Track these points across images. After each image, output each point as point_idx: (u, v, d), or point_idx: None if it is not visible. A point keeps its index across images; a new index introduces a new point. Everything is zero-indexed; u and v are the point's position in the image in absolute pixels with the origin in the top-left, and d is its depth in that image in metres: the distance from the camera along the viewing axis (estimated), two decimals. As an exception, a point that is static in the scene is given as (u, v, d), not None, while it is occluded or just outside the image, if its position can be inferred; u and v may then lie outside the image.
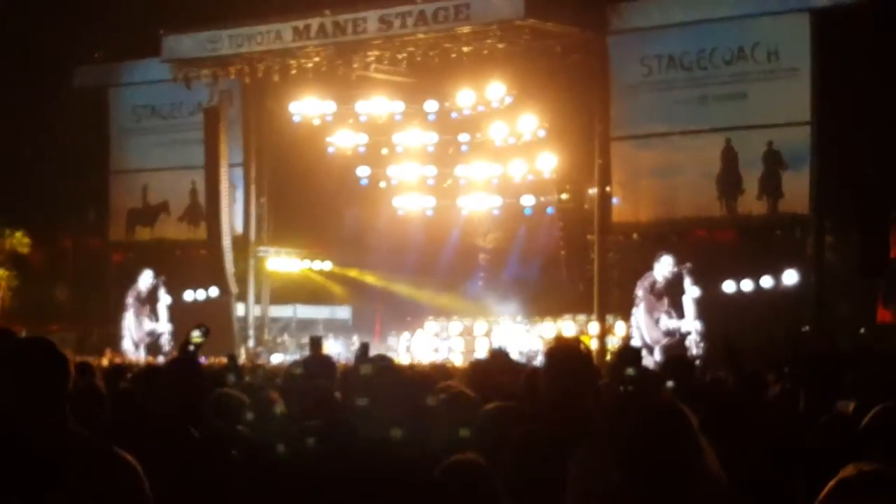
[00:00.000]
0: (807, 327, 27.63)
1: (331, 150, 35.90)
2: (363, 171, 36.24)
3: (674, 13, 30.72)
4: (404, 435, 6.55)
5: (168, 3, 34.56)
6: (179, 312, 35.36)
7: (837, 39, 28.15)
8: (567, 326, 31.74)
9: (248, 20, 33.63)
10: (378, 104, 34.96)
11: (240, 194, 37.00)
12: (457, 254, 36.34)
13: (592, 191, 32.41)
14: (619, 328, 30.88)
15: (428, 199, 36.62)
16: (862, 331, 27.59)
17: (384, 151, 35.87)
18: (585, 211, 32.83)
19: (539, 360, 26.88)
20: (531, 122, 33.45)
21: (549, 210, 34.51)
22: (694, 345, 29.20)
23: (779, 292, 28.60)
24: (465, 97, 33.68)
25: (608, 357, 28.82)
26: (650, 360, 27.15)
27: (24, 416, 4.47)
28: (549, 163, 33.53)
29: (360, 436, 6.46)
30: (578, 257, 33.23)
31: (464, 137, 35.01)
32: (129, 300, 36.77)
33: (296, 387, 9.38)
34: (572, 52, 31.55)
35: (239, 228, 36.93)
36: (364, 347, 15.75)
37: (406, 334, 34.59)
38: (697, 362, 23.51)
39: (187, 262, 36.95)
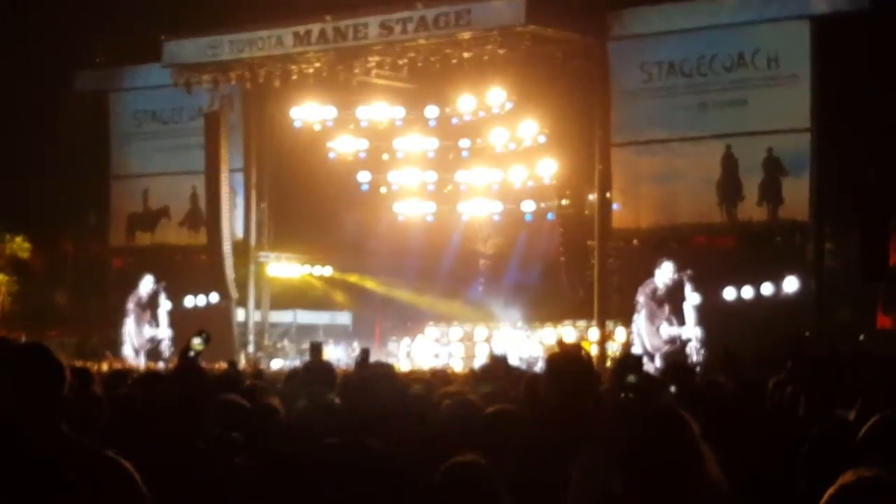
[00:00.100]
0: (807, 333, 27.61)
1: (331, 155, 35.94)
2: (364, 177, 36.29)
3: (674, 20, 30.72)
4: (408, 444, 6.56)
5: (169, 9, 34.56)
6: (180, 318, 35.36)
7: (837, 46, 28.18)
8: (567, 332, 31.75)
9: (249, 25, 33.63)
10: (379, 110, 34.99)
11: (240, 199, 37.00)
12: (457, 259, 36.37)
13: (593, 197, 32.41)
14: (619, 334, 30.87)
15: (428, 204, 36.66)
16: (862, 337, 27.57)
17: (385, 157, 35.92)
18: (586, 217, 32.85)
19: (539, 366, 26.91)
20: (531, 128, 33.48)
21: (550, 216, 34.55)
22: (694, 352, 29.20)
23: (779, 299, 28.60)
24: (465, 103, 33.70)
25: (608, 363, 28.84)
26: (651, 367, 27.15)
27: (19, 421, 4.48)
28: (550, 168, 33.57)
29: (363, 439, 6.46)
30: (579, 263, 33.24)
31: (464, 143, 35.05)
32: (130, 306, 36.76)
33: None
34: (573, 59, 31.56)
35: (239, 234, 36.92)
36: (364, 353, 15.76)
37: (406, 340, 34.59)
38: (698, 369, 23.54)
39: (188, 267, 36.93)
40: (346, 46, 32.50)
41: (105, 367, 27.39)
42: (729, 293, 29.05)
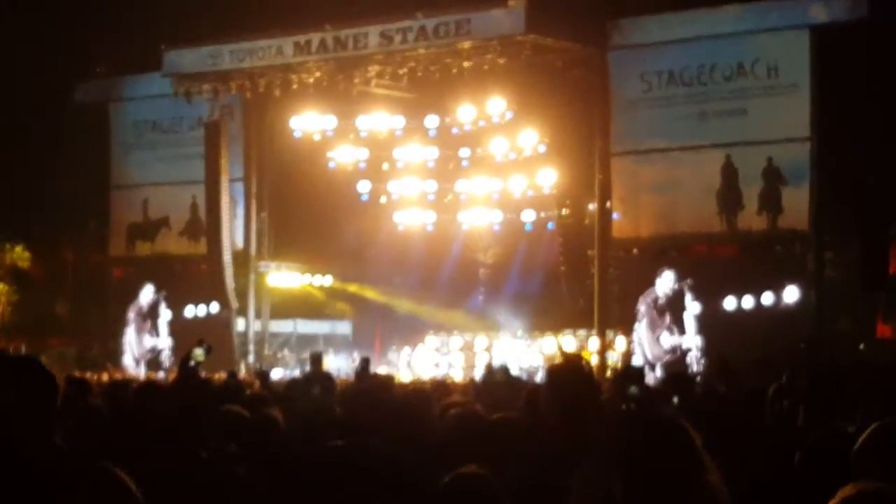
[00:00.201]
0: (802, 344, 27.60)
1: (331, 164, 35.95)
2: (364, 186, 36.29)
3: (674, 29, 30.76)
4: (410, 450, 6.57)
5: (169, 18, 34.58)
6: (180, 328, 35.37)
7: (837, 56, 28.22)
8: (567, 341, 31.72)
9: (249, 35, 33.65)
10: (379, 119, 35.00)
11: (240, 209, 37.00)
12: (457, 269, 36.36)
13: (593, 206, 32.41)
14: (620, 343, 30.86)
15: (428, 214, 36.66)
16: (862, 346, 27.57)
17: (385, 166, 35.93)
18: (586, 226, 32.85)
19: (540, 376, 26.91)
20: (532, 138, 33.49)
21: (550, 225, 34.54)
22: (695, 361, 29.20)
23: (779, 308, 28.61)
24: (465, 112, 33.71)
25: (609, 373, 28.84)
26: (652, 377, 27.15)
27: (12, 433, 4.48)
28: (550, 178, 33.57)
29: (367, 442, 6.47)
30: (579, 272, 33.22)
31: (464, 152, 35.06)
32: (131, 315, 36.76)
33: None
34: (573, 68, 31.60)
35: (239, 243, 36.92)
36: (364, 363, 15.80)
37: (406, 349, 34.57)
38: (698, 378, 23.53)
39: (188, 276, 36.94)
40: (346, 56, 32.52)
41: (105, 377, 27.41)
42: (729, 303, 29.06)
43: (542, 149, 33.50)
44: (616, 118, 31.36)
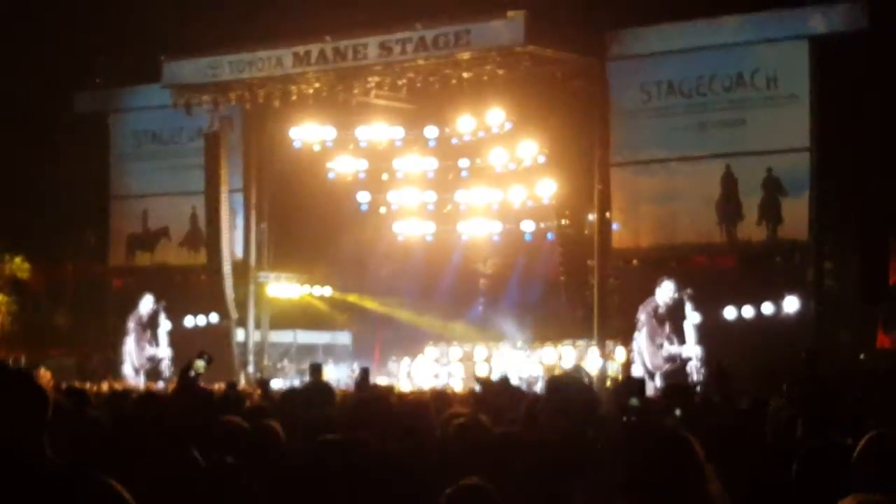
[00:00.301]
0: (803, 354, 27.58)
1: (331, 175, 35.95)
2: (363, 197, 36.31)
3: (673, 40, 30.79)
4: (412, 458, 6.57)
5: (169, 29, 34.62)
6: (179, 338, 35.35)
7: (836, 66, 28.26)
8: (567, 352, 31.72)
9: (249, 46, 33.67)
10: (378, 130, 35.02)
11: (240, 220, 37.00)
12: (457, 279, 36.35)
13: (592, 216, 32.41)
14: (619, 354, 30.84)
15: (428, 224, 36.66)
16: (862, 356, 27.57)
17: (384, 177, 35.94)
18: (585, 237, 32.85)
19: (540, 387, 26.90)
20: (531, 148, 33.50)
21: (549, 236, 34.55)
22: (695, 371, 29.18)
23: (779, 318, 28.61)
24: (465, 123, 33.72)
25: (608, 383, 28.83)
26: (651, 386, 27.14)
27: (2, 446, 4.47)
28: (549, 188, 33.57)
29: (368, 460, 6.47)
30: (578, 283, 33.23)
31: (464, 163, 35.06)
32: (130, 325, 36.74)
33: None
34: (572, 79, 31.62)
35: (239, 254, 36.92)
36: (364, 373, 15.78)
37: (406, 360, 34.54)
38: (698, 388, 23.54)
39: (187, 287, 36.93)
40: (346, 67, 32.53)
41: (105, 387, 27.41)
42: (729, 312, 29.06)
43: (541, 159, 33.51)
44: (615, 129, 31.38)
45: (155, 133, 38.41)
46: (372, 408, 7.50)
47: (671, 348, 29.76)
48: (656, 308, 30.03)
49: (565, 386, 6.58)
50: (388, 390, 16.74)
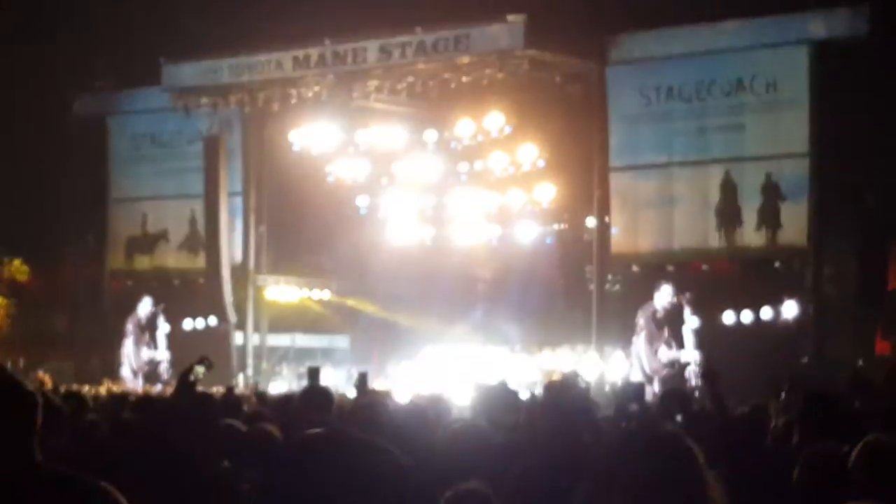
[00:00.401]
0: (805, 358, 27.63)
1: (330, 179, 35.90)
2: (362, 201, 36.28)
3: (673, 45, 30.81)
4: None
5: (168, 32, 34.62)
6: (178, 341, 35.30)
7: (836, 72, 28.26)
8: (566, 357, 31.70)
9: (249, 49, 33.69)
10: (377, 134, 34.99)
11: (239, 223, 37.01)
12: (455, 283, 36.31)
13: (591, 221, 32.44)
14: (618, 359, 30.82)
15: (427, 228, 36.65)
16: (860, 362, 27.56)
17: (384, 181, 35.91)
18: (584, 241, 32.86)
19: (538, 392, 26.82)
20: (530, 152, 33.48)
21: (548, 240, 34.53)
22: (693, 375, 29.14)
23: (778, 324, 28.62)
24: (464, 127, 33.70)
25: (606, 388, 28.81)
26: (650, 391, 27.11)
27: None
28: (548, 193, 33.57)
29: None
30: (577, 287, 33.24)
31: (463, 167, 35.03)
32: (129, 327, 36.64)
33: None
34: (571, 83, 31.64)
35: (238, 257, 36.92)
36: (362, 378, 15.74)
37: (405, 364, 34.49)
38: (696, 393, 23.49)
39: (186, 290, 36.92)
40: (346, 70, 32.55)
41: (104, 390, 27.39)
42: (728, 317, 29.06)
43: (540, 163, 33.50)
44: (615, 133, 31.38)
45: (154, 136, 38.41)
46: (370, 413, 7.50)
47: (670, 353, 29.71)
48: (654, 312, 29.99)
49: (562, 391, 6.57)
50: (387, 395, 16.71)
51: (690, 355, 29.35)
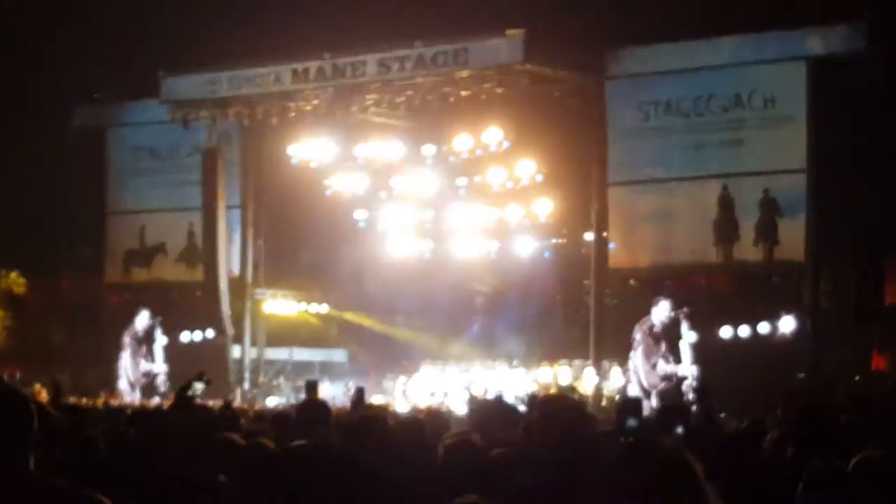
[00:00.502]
0: (801, 374, 27.64)
1: (328, 192, 35.88)
2: (361, 214, 36.25)
3: (671, 60, 30.85)
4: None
5: (167, 44, 34.63)
6: (175, 353, 35.28)
7: (834, 87, 28.30)
8: (563, 371, 31.69)
9: (248, 62, 33.72)
10: (376, 147, 35.00)
11: (237, 236, 37.02)
12: (453, 297, 36.27)
13: (589, 236, 32.45)
14: (616, 373, 30.82)
15: (425, 242, 36.65)
16: (857, 378, 27.58)
17: (382, 195, 35.90)
18: (582, 256, 32.88)
19: (534, 406, 26.72)
20: (529, 167, 33.48)
21: (546, 254, 34.53)
22: (691, 390, 29.13)
23: (775, 339, 28.62)
24: (462, 141, 33.69)
25: (604, 402, 28.82)
26: (648, 405, 27.10)
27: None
28: (547, 207, 33.58)
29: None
30: (575, 302, 33.24)
31: (461, 181, 35.02)
32: (126, 339, 36.61)
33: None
34: (570, 97, 31.68)
35: (236, 270, 36.93)
36: (360, 392, 15.75)
37: (402, 378, 34.47)
38: (694, 408, 23.47)
39: (184, 303, 36.90)
40: (344, 84, 32.57)
41: (101, 403, 27.35)
42: (725, 332, 29.06)
43: (539, 178, 33.50)
44: (613, 148, 31.41)
45: (153, 148, 38.40)
46: (368, 428, 7.49)
47: (667, 367, 29.70)
48: (651, 326, 29.99)
49: (557, 405, 6.58)
50: (384, 409, 16.72)
51: (688, 370, 29.34)
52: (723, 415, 18.08)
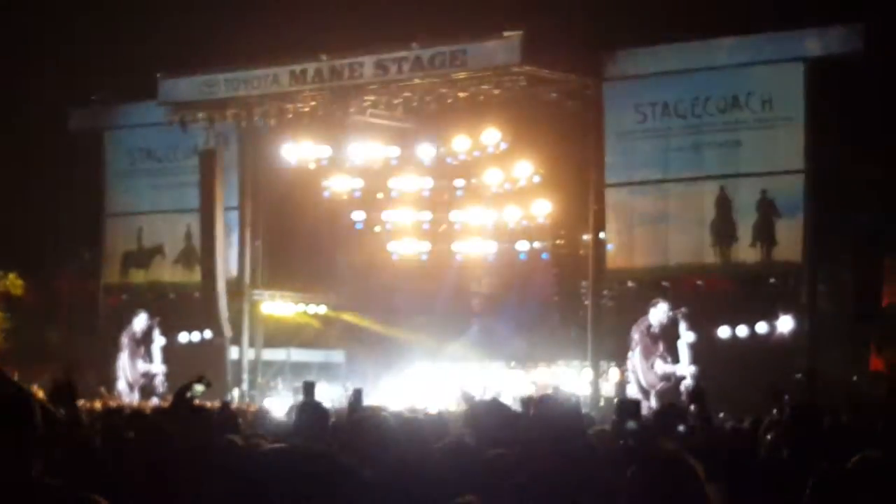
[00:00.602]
0: (798, 375, 27.62)
1: (326, 194, 35.88)
2: (358, 216, 36.25)
3: (669, 61, 30.84)
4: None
5: (165, 47, 34.64)
6: (173, 355, 35.30)
7: (831, 88, 28.30)
8: (561, 372, 31.70)
9: (245, 64, 33.72)
10: (374, 149, 34.99)
11: (235, 237, 36.99)
12: (451, 299, 36.30)
13: (587, 237, 32.46)
14: (613, 374, 30.84)
15: (423, 244, 36.65)
16: (855, 378, 27.58)
17: (379, 196, 35.90)
18: (580, 257, 32.88)
19: (530, 406, 26.73)
20: (526, 169, 33.49)
21: (544, 256, 34.55)
22: (686, 391, 29.14)
23: (773, 339, 28.60)
24: (460, 143, 33.71)
25: (601, 402, 28.83)
26: (646, 405, 27.10)
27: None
28: (544, 209, 33.59)
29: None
30: (572, 303, 33.25)
31: (459, 183, 35.06)
32: (124, 341, 36.64)
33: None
34: (568, 99, 31.70)
35: (234, 271, 36.90)
36: (357, 394, 15.70)
37: (400, 379, 34.48)
38: (692, 408, 23.46)
39: (181, 304, 36.88)
40: (342, 85, 32.57)
41: (99, 404, 27.33)
42: (723, 332, 29.06)
43: (536, 179, 33.51)
44: (610, 149, 31.41)
45: (150, 150, 38.40)
46: (365, 429, 7.49)
47: (665, 367, 29.73)
48: (649, 327, 30.02)
49: (552, 406, 6.58)
50: (381, 411, 16.70)
51: (686, 369, 29.36)
52: (721, 415, 18.11)
